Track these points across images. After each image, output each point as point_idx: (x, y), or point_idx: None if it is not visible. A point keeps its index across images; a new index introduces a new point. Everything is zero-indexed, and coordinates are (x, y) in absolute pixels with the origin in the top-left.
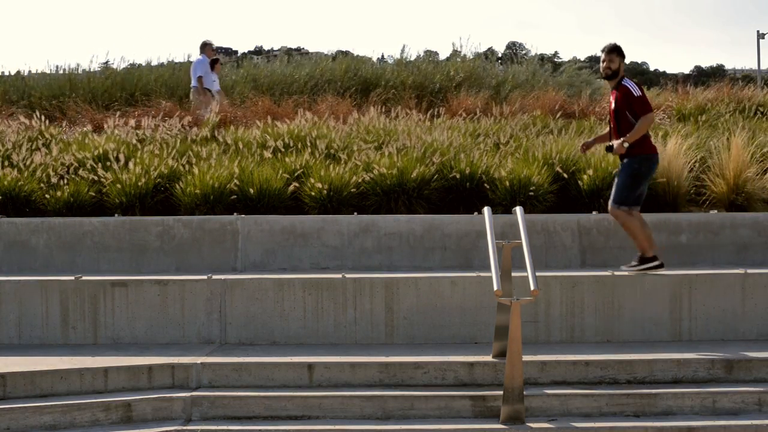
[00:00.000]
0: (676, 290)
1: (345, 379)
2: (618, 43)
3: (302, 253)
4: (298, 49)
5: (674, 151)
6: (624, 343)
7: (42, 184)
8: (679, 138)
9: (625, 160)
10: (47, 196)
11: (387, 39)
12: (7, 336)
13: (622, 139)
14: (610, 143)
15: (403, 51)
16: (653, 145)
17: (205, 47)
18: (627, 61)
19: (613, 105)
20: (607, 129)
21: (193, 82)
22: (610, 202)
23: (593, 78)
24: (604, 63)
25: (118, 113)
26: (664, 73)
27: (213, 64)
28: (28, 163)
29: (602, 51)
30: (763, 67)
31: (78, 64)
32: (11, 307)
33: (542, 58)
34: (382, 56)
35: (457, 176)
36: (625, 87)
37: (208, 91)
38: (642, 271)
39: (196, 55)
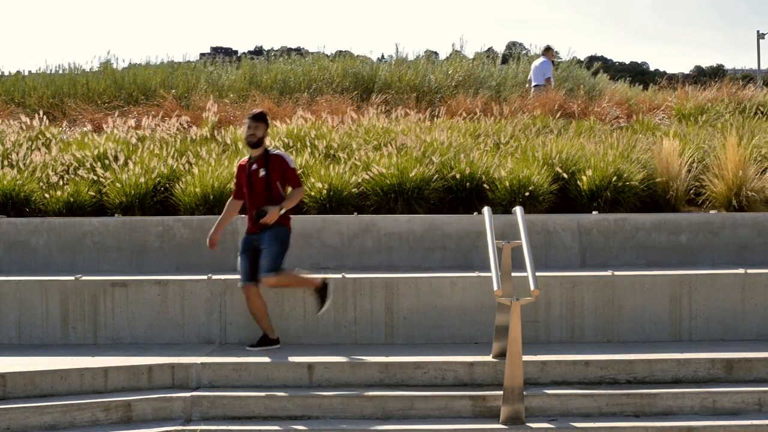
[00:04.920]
0: (676, 290)
1: (345, 379)
2: (264, 112)
3: (302, 253)
4: (298, 49)
5: (672, 151)
6: (624, 343)
7: (42, 184)
8: (676, 138)
9: (273, 228)
10: (47, 196)
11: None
12: (7, 336)
13: (278, 206)
14: (263, 208)
15: (397, 50)
16: None
17: (548, 51)
18: (627, 60)
19: (263, 173)
20: (235, 205)
21: (537, 81)
22: (264, 273)
23: (592, 77)
24: (250, 130)
25: (117, 113)
26: (664, 73)
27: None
28: (27, 162)
29: (248, 117)
30: (763, 67)
31: (79, 65)
32: (11, 307)
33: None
34: (382, 56)
35: (457, 176)
36: (280, 157)
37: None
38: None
39: (195, 54)
